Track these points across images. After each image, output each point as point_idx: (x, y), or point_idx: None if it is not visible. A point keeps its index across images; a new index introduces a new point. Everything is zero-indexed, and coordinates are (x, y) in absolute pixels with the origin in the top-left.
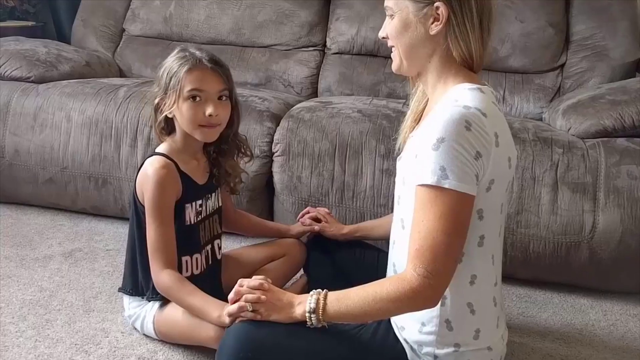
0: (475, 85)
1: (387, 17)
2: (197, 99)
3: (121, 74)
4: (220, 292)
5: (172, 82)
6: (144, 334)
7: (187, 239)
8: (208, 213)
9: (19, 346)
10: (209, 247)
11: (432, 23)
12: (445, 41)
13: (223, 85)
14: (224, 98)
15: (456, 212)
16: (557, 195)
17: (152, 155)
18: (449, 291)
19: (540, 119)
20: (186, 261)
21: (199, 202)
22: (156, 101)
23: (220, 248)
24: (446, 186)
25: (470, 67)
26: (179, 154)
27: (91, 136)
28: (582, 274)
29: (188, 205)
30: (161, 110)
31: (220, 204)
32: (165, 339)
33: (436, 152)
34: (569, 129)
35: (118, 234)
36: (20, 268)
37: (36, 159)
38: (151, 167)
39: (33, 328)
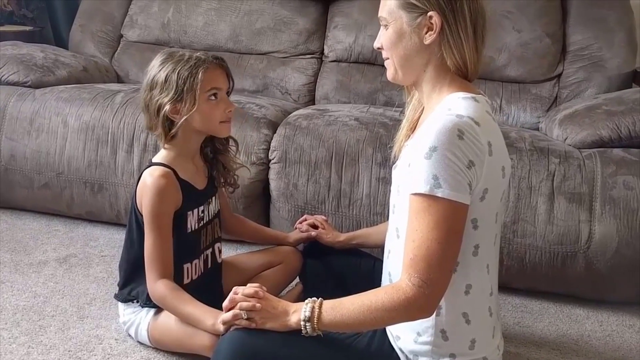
0: (469, 95)
1: (381, 28)
2: (216, 96)
3: (118, 79)
4: (221, 296)
5: (187, 85)
6: (138, 341)
7: (188, 246)
8: (210, 218)
9: (12, 352)
10: (209, 251)
11: (426, 33)
12: (440, 50)
13: (230, 81)
14: (229, 93)
15: (450, 221)
16: (553, 205)
17: (150, 166)
18: (444, 301)
19: (537, 129)
20: (187, 268)
21: (201, 208)
22: (167, 108)
23: (220, 251)
24: (439, 195)
25: (465, 76)
26: (178, 159)
27: (87, 142)
28: (578, 284)
29: (190, 213)
30: (180, 114)
31: (220, 208)
32: (159, 346)
33: (429, 160)
34: (565, 139)
35: (113, 240)
36: (14, 273)
37: (32, 163)
38: (150, 177)
39: (26, 334)
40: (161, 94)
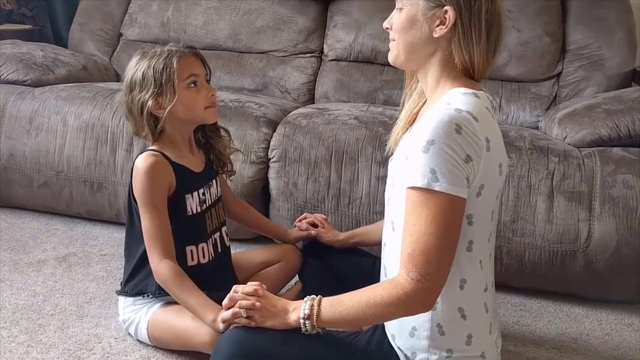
0: (470, 90)
1: (395, 9)
2: (195, 83)
3: (118, 78)
4: (234, 279)
5: (164, 77)
6: (137, 340)
7: (191, 229)
8: (213, 200)
9: (11, 351)
10: (216, 235)
11: (438, 26)
12: (449, 46)
13: (206, 67)
14: (208, 80)
15: (448, 215)
16: (552, 204)
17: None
18: (439, 295)
19: (537, 128)
20: (191, 250)
21: (201, 190)
22: (150, 104)
23: (227, 234)
24: (437, 189)
25: (471, 76)
26: (169, 148)
27: (87, 140)
28: (577, 283)
29: (188, 195)
30: (163, 108)
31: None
32: (159, 344)
33: (426, 154)
34: (564, 138)
35: (113, 238)
36: (13, 272)
37: (31, 162)
38: (140, 160)
39: (26, 333)
40: (141, 92)
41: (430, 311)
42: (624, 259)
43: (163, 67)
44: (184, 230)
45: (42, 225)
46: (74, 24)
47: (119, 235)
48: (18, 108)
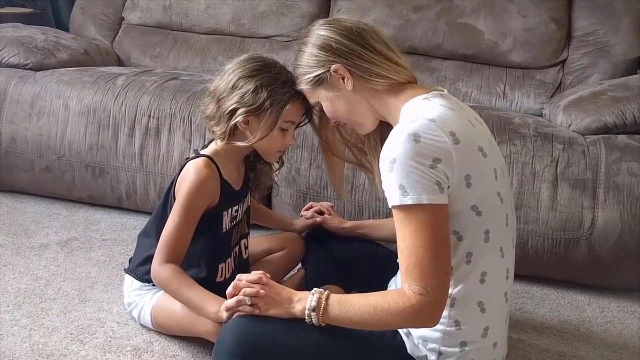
0: (419, 97)
1: (316, 109)
2: (288, 129)
3: (120, 62)
4: None
5: (273, 109)
6: (140, 324)
7: (222, 246)
8: (241, 216)
9: (14, 335)
10: (236, 248)
11: (344, 82)
12: (365, 85)
13: (305, 117)
14: (298, 126)
15: (429, 224)
16: (556, 191)
17: (197, 157)
18: (458, 293)
19: (541, 115)
20: (221, 268)
21: (235, 207)
22: (239, 119)
23: (246, 247)
24: (409, 202)
25: (405, 82)
26: (224, 158)
27: (89, 125)
28: (580, 270)
29: (225, 212)
30: (249, 127)
31: (249, 204)
32: (162, 330)
33: (391, 173)
34: (569, 125)
35: (114, 223)
36: (15, 256)
37: (33, 147)
38: (194, 166)
39: (28, 317)
40: (242, 100)
41: (448, 307)
42: (627, 246)
43: (278, 102)
44: (217, 246)
45: (43, 210)
46: (75, 7)
47: (120, 220)
48: (19, 92)
